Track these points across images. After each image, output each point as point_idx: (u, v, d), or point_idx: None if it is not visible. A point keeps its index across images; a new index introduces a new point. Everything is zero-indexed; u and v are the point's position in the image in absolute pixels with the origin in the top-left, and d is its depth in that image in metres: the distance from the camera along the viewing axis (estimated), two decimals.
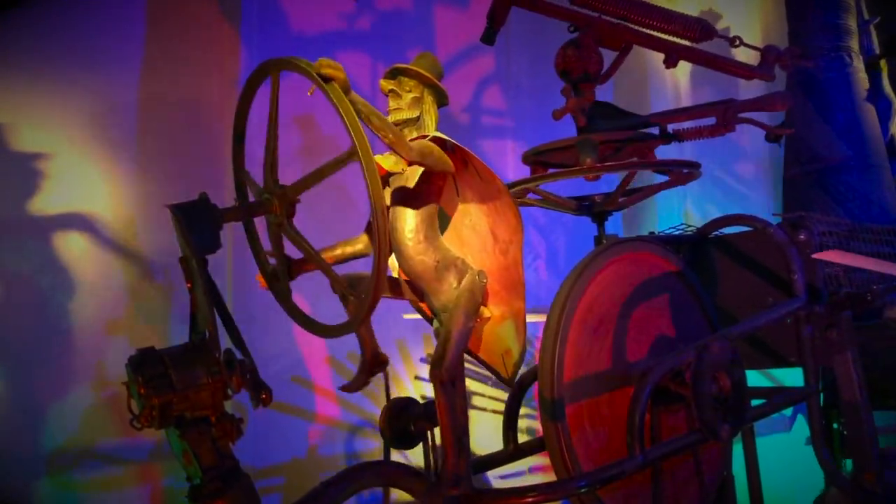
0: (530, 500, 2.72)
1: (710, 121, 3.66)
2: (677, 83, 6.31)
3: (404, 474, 2.82)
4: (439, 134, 2.90)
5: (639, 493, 2.99)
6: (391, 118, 2.91)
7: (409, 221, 2.87)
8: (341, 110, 2.38)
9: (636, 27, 3.66)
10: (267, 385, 2.74)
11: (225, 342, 2.78)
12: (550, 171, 3.79)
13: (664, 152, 3.89)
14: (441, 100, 3.00)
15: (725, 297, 3.58)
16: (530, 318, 3.15)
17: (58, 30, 4.10)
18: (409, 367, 5.02)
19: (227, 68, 4.61)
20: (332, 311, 2.95)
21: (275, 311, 2.79)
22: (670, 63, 3.68)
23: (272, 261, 2.80)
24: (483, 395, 5.11)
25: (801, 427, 5.48)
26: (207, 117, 4.46)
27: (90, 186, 4.15)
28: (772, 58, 3.66)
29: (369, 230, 3.04)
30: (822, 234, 3.49)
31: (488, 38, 3.70)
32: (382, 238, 2.40)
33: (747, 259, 3.57)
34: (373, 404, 4.72)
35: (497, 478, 4.66)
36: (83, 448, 3.98)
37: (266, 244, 2.78)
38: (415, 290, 3.00)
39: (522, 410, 3.67)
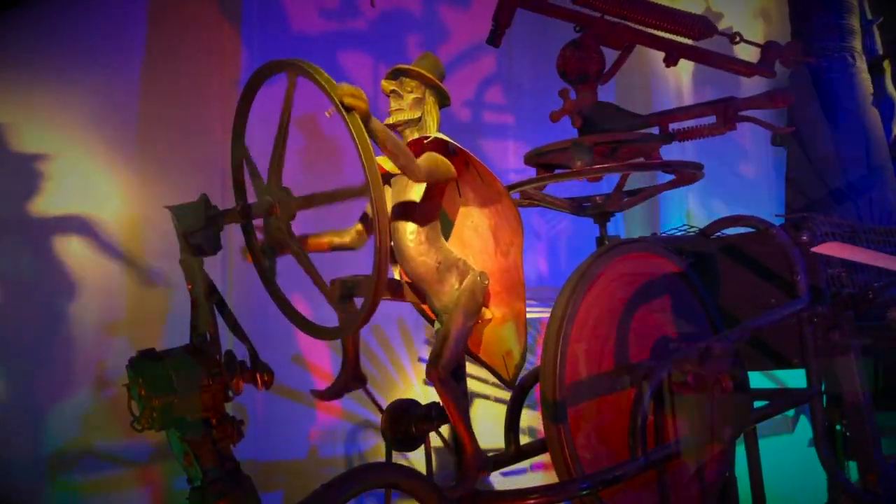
0: (532, 502, 2.72)
1: (711, 120, 3.65)
2: (680, 82, 6.30)
3: (406, 476, 2.81)
4: (441, 135, 2.90)
5: (641, 495, 2.98)
6: (392, 119, 2.91)
7: (410, 223, 2.86)
8: (359, 144, 2.35)
9: (637, 26, 3.65)
10: (268, 366, 2.74)
11: (226, 343, 2.77)
12: (557, 171, 3.79)
13: (666, 152, 3.87)
14: (443, 100, 2.99)
15: (728, 298, 3.57)
16: (531, 313, 3.14)
17: (58, 30, 4.09)
18: (419, 371, 5.00)
19: (228, 69, 4.60)
20: (331, 312, 2.94)
21: (276, 311, 2.77)
22: (671, 62, 3.68)
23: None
24: (485, 397, 5.10)
25: (804, 428, 5.47)
26: (208, 118, 4.45)
27: (91, 187, 4.14)
28: (772, 54, 3.65)
29: (363, 221, 3.03)
30: (824, 234, 3.48)
31: (494, 39, 3.70)
32: (384, 239, 2.39)
33: (750, 260, 3.56)
34: (373, 408, 4.71)
35: (498, 475, 4.65)
36: (84, 449, 3.97)
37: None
38: (416, 291, 3.00)
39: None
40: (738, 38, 3.70)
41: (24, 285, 3.93)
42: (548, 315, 2.96)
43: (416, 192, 2.87)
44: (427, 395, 3.14)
